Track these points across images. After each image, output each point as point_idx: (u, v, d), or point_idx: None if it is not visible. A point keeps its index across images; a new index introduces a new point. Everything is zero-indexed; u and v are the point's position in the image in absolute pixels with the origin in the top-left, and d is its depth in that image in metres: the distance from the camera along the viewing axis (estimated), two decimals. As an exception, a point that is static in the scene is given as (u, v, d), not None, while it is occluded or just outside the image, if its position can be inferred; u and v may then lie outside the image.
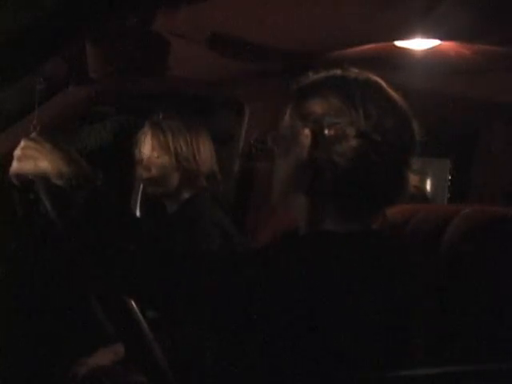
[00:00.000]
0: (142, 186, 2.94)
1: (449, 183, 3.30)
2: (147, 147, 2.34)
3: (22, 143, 1.45)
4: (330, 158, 1.29)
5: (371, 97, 1.31)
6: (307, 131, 1.32)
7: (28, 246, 1.90)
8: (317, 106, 1.32)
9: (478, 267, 1.60)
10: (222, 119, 3.17)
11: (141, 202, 3.04)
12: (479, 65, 2.19)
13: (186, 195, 2.31)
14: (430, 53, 2.12)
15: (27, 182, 1.47)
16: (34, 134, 1.48)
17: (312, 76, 1.39)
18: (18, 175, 1.46)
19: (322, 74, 1.38)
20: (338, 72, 1.37)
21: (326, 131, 1.30)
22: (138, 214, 2.98)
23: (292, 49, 2.17)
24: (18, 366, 1.81)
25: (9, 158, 1.44)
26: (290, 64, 2.16)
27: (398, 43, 2.09)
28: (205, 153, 2.35)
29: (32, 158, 1.43)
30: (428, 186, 3.59)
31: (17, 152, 1.45)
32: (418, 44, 2.08)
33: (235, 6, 1.81)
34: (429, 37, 2.01)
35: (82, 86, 2.36)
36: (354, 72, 1.37)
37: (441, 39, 2.03)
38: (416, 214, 1.80)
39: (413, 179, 1.36)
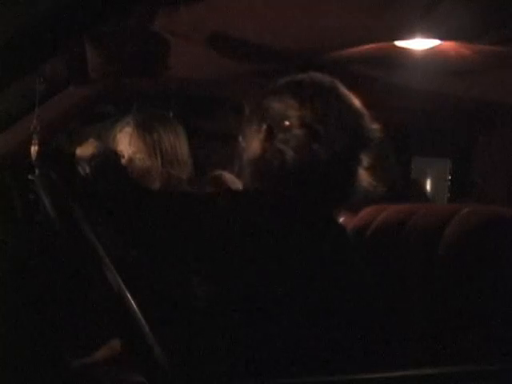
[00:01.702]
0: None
1: (449, 183, 3.30)
2: (128, 147, 2.19)
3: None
4: (275, 146, 1.42)
5: (321, 95, 1.44)
6: (264, 126, 1.46)
7: (28, 245, 1.90)
8: (274, 104, 1.47)
9: (477, 267, 1.60)
10: (222, 119, 3.17)
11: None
12: (479, 65, 2.19)
13: None
14: (430, 53, 2.12)
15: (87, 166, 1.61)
16: None
17: (279, 80, 1.54)
18: (80, 158, 1.63)
19: (287, 79, 1.53)
20: (299, 76, 1.52)
21: (277, 124, 1.44)
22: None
23: (292, 49, 2.17)
24: (18, 365, 1.81)
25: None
26: (290, 64, 2.16)
27: (398, 43, 2.09)
28: (185, 154, 2.22)
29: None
30: (428, 186, 3.59)
31: None
32: (418, 44, 2.08)
33: (235, 6, 1.81)
34: (429, 37, 2.01)
35: (82, 86, 2.36)
36: (314, 76, 1.51)
37: (441, 39, 2.03)
38: (415, 214, 1.80)
39: (364, 175, 1.42)
